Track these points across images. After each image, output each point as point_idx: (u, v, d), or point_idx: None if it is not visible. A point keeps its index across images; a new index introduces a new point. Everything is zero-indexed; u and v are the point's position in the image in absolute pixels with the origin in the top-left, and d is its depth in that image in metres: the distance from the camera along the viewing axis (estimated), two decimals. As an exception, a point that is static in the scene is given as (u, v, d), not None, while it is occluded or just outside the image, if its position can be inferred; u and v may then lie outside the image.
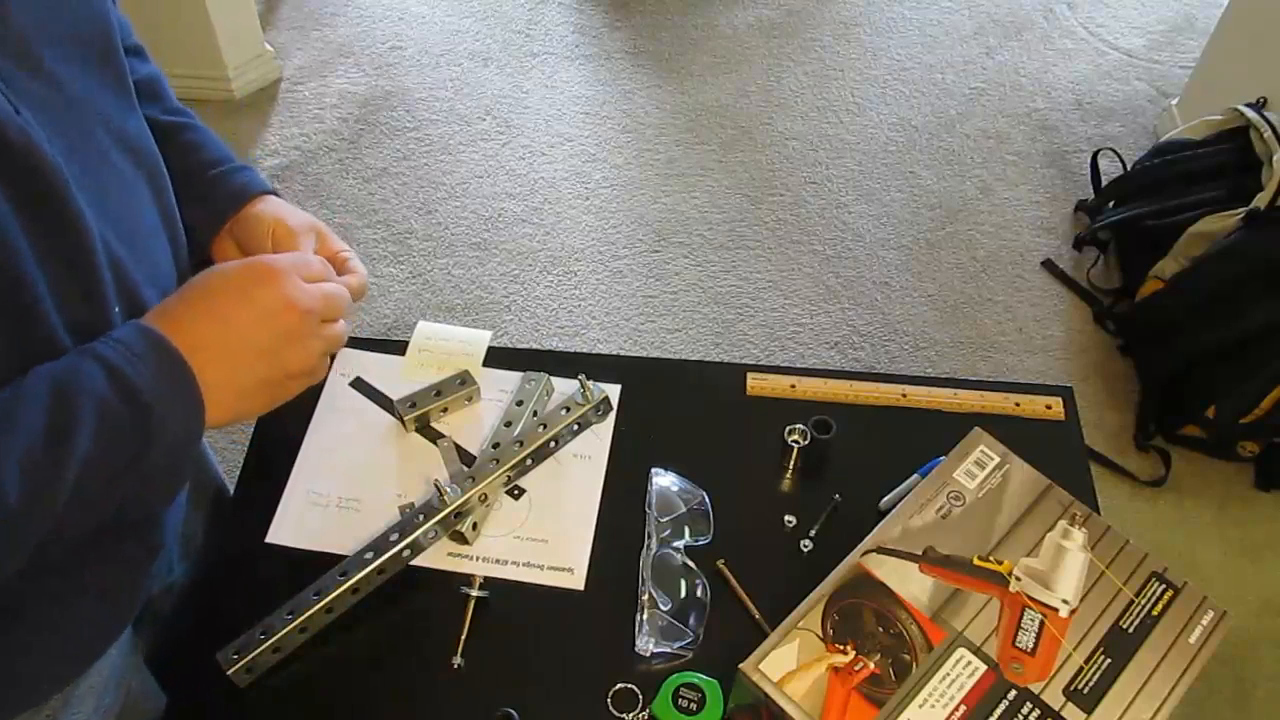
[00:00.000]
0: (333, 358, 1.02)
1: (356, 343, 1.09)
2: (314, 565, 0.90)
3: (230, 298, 0.68)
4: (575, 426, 1.02)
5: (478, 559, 0.94)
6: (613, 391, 1.06)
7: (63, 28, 0.64)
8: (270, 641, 0.85)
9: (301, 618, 0.86)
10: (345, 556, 0.90)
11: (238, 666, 0.84)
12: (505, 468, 0.95)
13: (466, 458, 1.00)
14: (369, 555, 0.89)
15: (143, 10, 2.47)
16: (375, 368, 1.07)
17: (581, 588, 0.93)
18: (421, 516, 0.92)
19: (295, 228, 0.82)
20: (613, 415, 1.05)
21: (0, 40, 0.58)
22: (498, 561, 0.94)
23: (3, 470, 0.55)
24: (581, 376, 1.02)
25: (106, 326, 0.65)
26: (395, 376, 1.06)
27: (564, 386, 1.06)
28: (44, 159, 0.58)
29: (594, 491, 0.99)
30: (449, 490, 0.92)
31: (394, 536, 0.91)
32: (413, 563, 0.93)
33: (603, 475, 1.00)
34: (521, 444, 0.97)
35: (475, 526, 0.95)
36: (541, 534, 0.96)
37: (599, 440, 1.03)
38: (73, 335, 0.63)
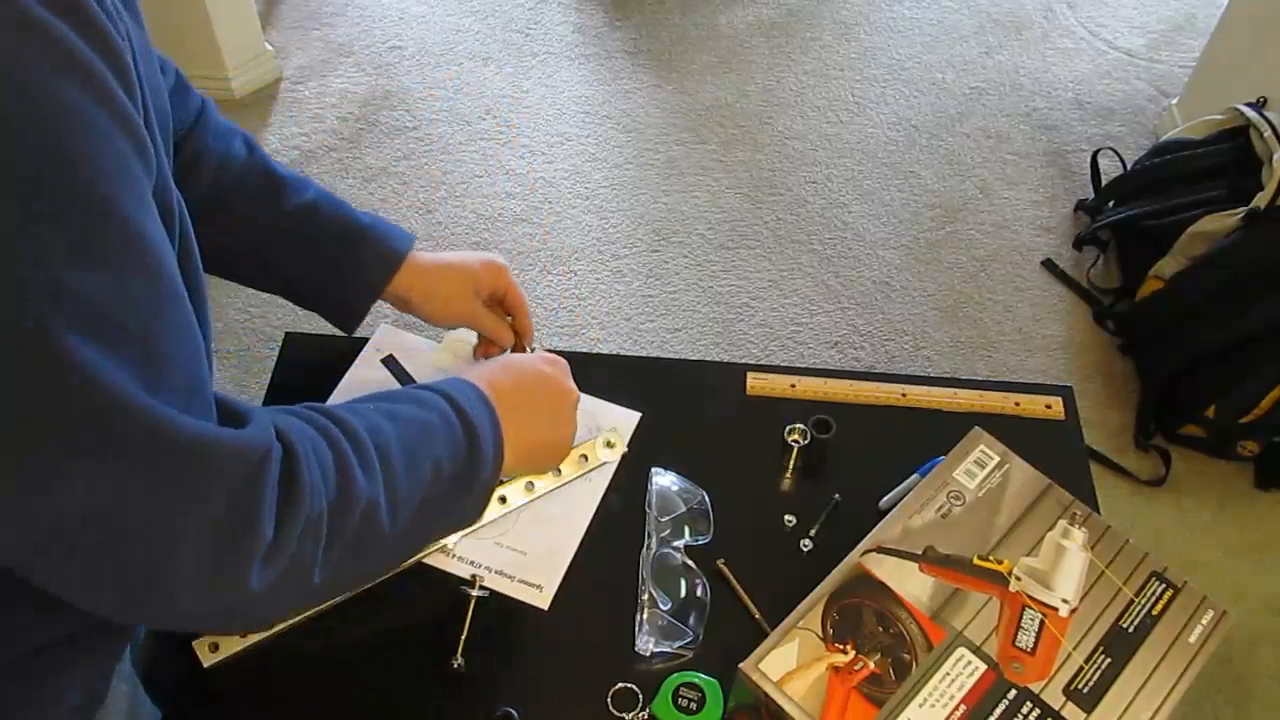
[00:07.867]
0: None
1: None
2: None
3: (542, 401, 0.86)
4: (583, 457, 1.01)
5: (454, 556, 0.94)
6: (631, 419, 1.05)
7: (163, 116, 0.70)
8: None
9: None
10: None
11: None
12: None
13: None
14: None
15: (142, 9, 2.48)
16: (410, 350, 1.08)
17: (546, 607, 0.92)
18: None
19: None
20: (622, 448, 1.03)
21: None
22: (472, 563, 0.94)
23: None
24: (598, 427, 1.01)
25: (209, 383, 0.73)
26: (426, 362, 1.08)
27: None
28: (190, 226, 0.68)
29: (585, 515, 0.98)
30: None
31: None
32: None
33: (599, 500, 0.99)
34: None
35: None
36: (522, 545, 0.95)
37: (604, 467, 1.02)
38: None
